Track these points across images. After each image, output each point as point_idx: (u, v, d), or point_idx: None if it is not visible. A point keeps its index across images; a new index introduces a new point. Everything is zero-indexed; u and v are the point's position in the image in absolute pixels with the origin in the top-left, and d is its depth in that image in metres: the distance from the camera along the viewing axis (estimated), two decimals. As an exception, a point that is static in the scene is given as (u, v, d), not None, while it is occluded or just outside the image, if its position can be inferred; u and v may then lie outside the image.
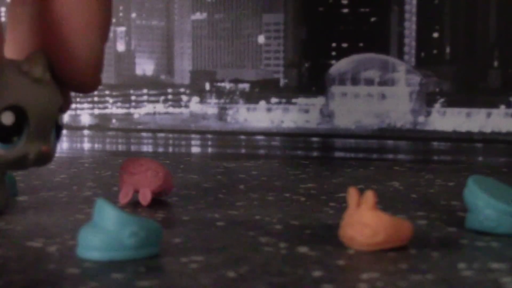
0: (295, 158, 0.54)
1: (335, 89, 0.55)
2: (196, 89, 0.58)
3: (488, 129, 0.53)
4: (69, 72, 0.34)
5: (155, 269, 0.25)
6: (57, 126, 0.34)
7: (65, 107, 0.35)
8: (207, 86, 0.58)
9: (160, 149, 0.59)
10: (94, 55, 0.34)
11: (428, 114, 0.54)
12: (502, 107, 0.52)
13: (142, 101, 0.60)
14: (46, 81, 0.33)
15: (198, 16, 0.58)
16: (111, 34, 0.61)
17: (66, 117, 0.61)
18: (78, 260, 0.26)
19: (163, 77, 0.60)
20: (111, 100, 0.61)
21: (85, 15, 0.33)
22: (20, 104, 0.31)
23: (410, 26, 0.54)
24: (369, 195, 0.27)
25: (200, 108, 0.58)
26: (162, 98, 0.60)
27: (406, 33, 0.54)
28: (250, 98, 0.57)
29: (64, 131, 0.61)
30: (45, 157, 0.33)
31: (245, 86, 0.57)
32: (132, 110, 0.61)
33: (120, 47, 0.61)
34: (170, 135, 0.58)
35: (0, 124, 0.31)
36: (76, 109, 0.61)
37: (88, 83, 0.35)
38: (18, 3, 0.34)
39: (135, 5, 0.61)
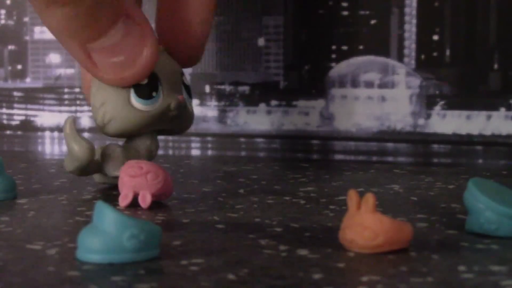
0: (295, 161, 0.54)
1: (335, 92, 0.55)
2: (196, 92, 0.58)
3: (488, 132, 0.53)
4: (182, 46, 0.40)
5: (155, 271, 0.25)
6: (185, 86, 0.40)
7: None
8: (207, 88, 0.58)
9: (160, 152, 0.59)
10: (206, 32, 0.40)
11: (428, 116, 0.54)
12: (502, 109, 0.52)
13: (142, 104, 0.60)
14: (165, 51, 0.40)
15: (198, 18, 0.57)
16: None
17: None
18: (77, 263, 0.26)
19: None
20: (111, 103, 0.61)
21: None
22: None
23: (410, 28, 0.54)
24: (369, 198, 0.27)
25: (200, 111, 0.58)
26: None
27: (406, 36, 0.54)
28: (250, 100, 0.57)
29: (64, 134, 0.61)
30: (183, 106, 0.39)
31: (245, 89, 0.57)
32: (132, 113, 0.61)
33: (120, 49, 0.61)
34: (170, 138, 0.58)
35: (140, 85, 0.38)
36: (75, 111, 0.61)
37: (196, 57, 0.41)
38: None
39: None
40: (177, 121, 0.40)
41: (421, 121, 0.54)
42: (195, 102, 0.58)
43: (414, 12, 0.54)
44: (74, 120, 0.39)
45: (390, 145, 0.55)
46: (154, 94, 0.38)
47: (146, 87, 0.38)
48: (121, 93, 0.38)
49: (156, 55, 0.37)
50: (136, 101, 0.38)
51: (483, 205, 0.29)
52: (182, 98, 0.39)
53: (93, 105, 0.39)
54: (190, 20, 0.39)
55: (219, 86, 0.57)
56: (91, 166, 0.39)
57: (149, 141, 0.40)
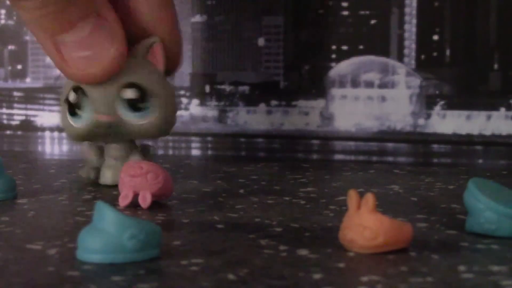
0: (295, 161, 0.54)
1: (335, 92, 0.55)
2: (196, 92, 0.58)
3: (488, 132, 0.53)
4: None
5: (155, 271, 0.25)
6: (128, 100, 0.39)
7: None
8: (207, 88, 0.58)
9: (160, 152, 0.59)
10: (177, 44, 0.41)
11: (428, 116, 0.54)
12: (502, 109, 0.52)
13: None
14: None
15: (198, 18, 0.58)
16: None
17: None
18: (78, 263, 0.26)
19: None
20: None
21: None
22: (79, 85, 0.39)
23: (410, 28, 0.54)
24: (369, 198, 0.27)
25: (200, 111, 0.58)
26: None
27: (406, 36, 0.54)
28: (250, 100, 0.57)
29: (64, 134, 0.61)
30: (109, 125, 0.39)
31: (245, 89, 0.57)
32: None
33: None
34: (170, 138, 0.58)
35: (69, 101, 0.39)
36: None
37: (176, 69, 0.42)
38: None
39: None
40: (119, 135, 0.40)
41: (421, 121, 0.54)
42: (195, 102, 0.58)
43: (414, 12, 0.54)
44: None
45: (390, 145, 0.55)
46: (79, 112, 0.39)
47: (72, 105, 0.39)
48: (63, 106, 0.40)
49: (123, 56, 0.37)
50: (69, 117, 0.40)
51: (483, 205, 0.29)
52: (101, 117, 0.39)
53: None
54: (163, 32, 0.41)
55: (219, 86, 0.57)
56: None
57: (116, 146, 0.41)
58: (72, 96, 0.39)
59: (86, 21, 0.36)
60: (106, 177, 0.41)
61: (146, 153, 0.42)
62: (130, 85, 0.39)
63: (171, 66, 0.41)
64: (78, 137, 0.40)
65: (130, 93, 0.39)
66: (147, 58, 0.40)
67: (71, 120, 0.40)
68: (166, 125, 0.40)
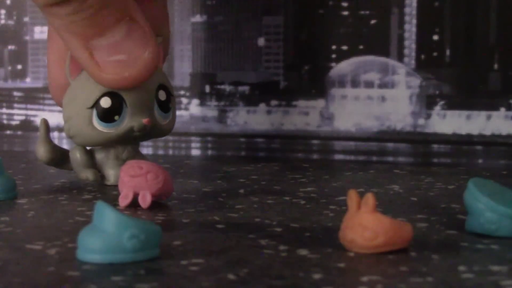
0: (295, 161, 0.54)
1: (335, 92, 0.55)
2: (196, 92, 0.58)
3: (488, 132, 0.53)
4: None
5: (155, 271, 0.25)
6: (160, 102, 0.40)
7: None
8: (207, 88, 0.58)
9: (160, 152, 0.59)
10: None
11: (428, 116, 0.54)
12: (502, 109, 0.52)
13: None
14: None
15: (198, 18, 0.58)
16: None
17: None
18: (78, 263, 0.26)
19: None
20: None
21: None
22: (114, 91, 0.38)
23: (410, 28, 0.54)
24: (369, 198, 0.27)
25: (200, 111, 0.58)
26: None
27: (406, 36, 0.54)
28: (250, 100, 0.57)
29: (64, 134, 0.61)
30: (149, 128, 0.39)
31: (245, 89, 0.57)
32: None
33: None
34: (170, 138, 0.58)
35: (102, 107, 0.38)
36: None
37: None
38: None
39: (135, 8, 0.60)
40: (144, 138, 0.41)
41: (421, 121, 0.54)
42: (195, 102, 0.58)
43: (414, 12, 0.54)
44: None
45: (390, 145, 0.55)
46: (116, 118, 0.39)
47: (108, 111, 0.39)
48: (85, 112, 0.39)
49: (157, 58, 0.37)
50: (97, 123, 0.39)
51: (483, 205, 0.29)
52: (147, 121, 0.39)
53: (63, 115, 0.40)
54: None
55: (219, 86, 0.57)
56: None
57: (120, 149, 0.41)
58: (107, 102, 0.38)
59: (120, 24, 0.36)
60: (115, 176, 0.41)
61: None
62: (162, 87, 0.40)
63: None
64: (107, 142, 0.40)
65: (162, 95, 0.40)
66: None
67: (99, 126, 0.39)
68: (174, 123, 0.42)
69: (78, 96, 0.39)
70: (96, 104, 0.39)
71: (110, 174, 0.41)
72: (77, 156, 0.41)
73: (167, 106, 0.40)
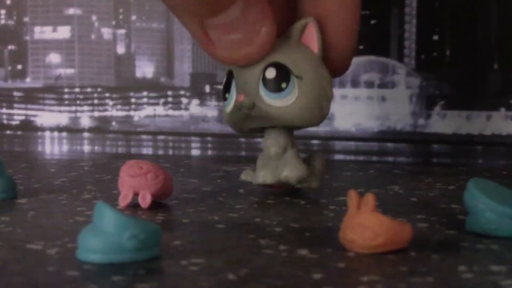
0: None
1: (335, 92, 0.55)
2: (196, 92, 0.58)
3: (488, 132, 0.53)
4: (328, 58, 0.37)
5: (155, 271, 0.25)
6: (266, 81, 0.36)
7: None
8: (207, 88, 0.58)
9: (160, 152, 0.59)
10: (352, 43, 0.38)
11: (428, 116, 0.54)
12: (502, 109, 0.52)
13: (142, 104, 0.60)
14: None
15: (198, 18, 0.57)
16: (110, 37, 0.61)
17: (65, 120, 0.61)
18: (78, 263, 0.26)
19: (163, 79, 0.60)
20: (111, 103, 0.61)
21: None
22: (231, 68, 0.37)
23: (410, 28, 0.54)
24: (369, 198, 0.27)
25: (200, 111, 0.58)
26: (162, 100, 0.60)
27: (406, 36, 0.54)
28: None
29: (64, 134, 0.61)
30: (247, 106, 0.36)
31: (245, 89, 0.57)
32: (132, 113, 0.61)
33: (120, 49, 0.61)
34: (170, 138, 0.58)
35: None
36: (75, 111, 0.61)
37: (342, 70, 0.39)
38: None
39: (135, 8, 0.61)
40: (263, 122, 0.37)
41: (421, 121, 0.54)
42: (195, 102, 0.58)
43: (414, 12, 0.54)
44: None
45: (390, 145, 0.55)
46: (227, 95, 0.37)
47: (223, 89, 0.38)
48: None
49: (274, 36, 0.35)
50: (223, 102, 0.38)
51: (483, 206, 0.29)
52: (240, 97, 0.36)
53: None
54: (336, 31, 0.37)
55: (219, 86, 0.57)
56: None
57: (269, 139, 0.38)
58: (224, 81, 0.38)
59: (236, 2, 0.34)
60: (258, 176, 0.37)
61: (311, 161, 0.39)
62: (273, 65, 0.36)
63: (338, 66, 0.38)
64: (228, 121, 0.38)
65: (270, 72, 0.36)
66: (301, 41, 0.37)
67: (224, 106, 0.38)
68: (308, 112, 0.36)
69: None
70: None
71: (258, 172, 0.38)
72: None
73: (276, 85, 0.36)
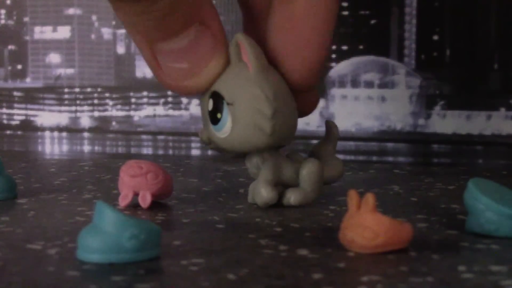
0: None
1: (335, 92, 0.55)
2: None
3: (488, 132, 0.53)
4: (293, 69, 0.35)
5: (155, 271, 0.25)
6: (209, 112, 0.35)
7: None
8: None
9: (160, 152, 0.59)
10: (321, 56, 0.35)
11: (428, 116, 0.54)
12: (502, 109, 0.52)
13: (142, 104, 0.60)
14: None
15: (198, 18, 0.57)
16: (110, 37, 0.61)
17: (65, 120, 0.61)
18: (78, 263, 0.26)
19: (163, 79, 0.60)
20: (111, 103, 0.61)
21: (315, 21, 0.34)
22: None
23: (410, 28, 0.54)
24: (369, 198, 0.27)
25: (200, 111, 0.58)
26: (162, 100, 0.60)
27: (406, 36, 0.54)
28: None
29: (64, 134, 0.61)
30: (205, 140, 0.36)
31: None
32: (132, 113, 0.61)
33: (120, 49, 0.61)
34: (170, 138, 0.58)
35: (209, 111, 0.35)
36: (75, 111, 0.61)
37: (308, 84, 0.36)
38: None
39: (135, 8, 0.60)
40: (223, 150, 0.36)
41: (421, 121, 0.54)
42: (195, 102, 0.58)
43: (414, 12, 0.54)
44: None
45: (390, 145, 0.55)
46: (219, 115, 0.34)
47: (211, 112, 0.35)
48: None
49: (222, 69, 0.34)
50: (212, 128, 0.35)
51: (483, 206, 0.29)
52: (200, 133, 0.36)
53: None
54: (306, 41, 0.35)
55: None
56: None
57: (247, 159, 0.36)
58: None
59: (187, 30, 0.33)
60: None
61: (300, 169, 0.36)
62: (212, 95, 0.34)
63: (301, 78, 0.35)
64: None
65: (209, 104, 0.34)
66: (242, 59, 0.34)
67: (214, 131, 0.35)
68: (247, 139, 0.34)
69: None
70: None
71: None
72: None
73: (213, 116, 0.34)
